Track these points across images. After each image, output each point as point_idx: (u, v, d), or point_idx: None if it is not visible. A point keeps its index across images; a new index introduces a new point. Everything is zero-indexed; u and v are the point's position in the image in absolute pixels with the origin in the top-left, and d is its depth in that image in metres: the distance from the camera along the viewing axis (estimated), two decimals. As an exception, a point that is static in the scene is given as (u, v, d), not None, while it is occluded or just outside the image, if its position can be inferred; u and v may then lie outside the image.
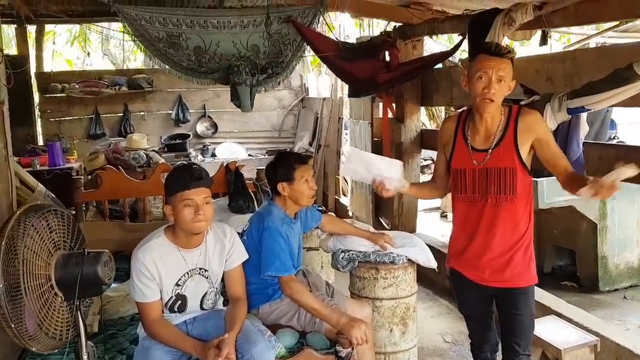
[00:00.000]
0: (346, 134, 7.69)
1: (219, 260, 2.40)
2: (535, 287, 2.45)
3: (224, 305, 2.54)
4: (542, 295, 3.75)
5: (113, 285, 3.23)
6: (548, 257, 5.09)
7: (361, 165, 2.48)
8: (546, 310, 3.56)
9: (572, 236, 4.73)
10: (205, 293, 2.39)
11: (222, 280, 2.47)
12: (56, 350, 2.06)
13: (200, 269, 2.35)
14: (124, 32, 4.32)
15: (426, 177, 9.91)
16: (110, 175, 4.01)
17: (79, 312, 2.00)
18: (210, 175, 4.34)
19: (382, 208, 5.76)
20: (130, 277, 2.24)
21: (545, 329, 3.28)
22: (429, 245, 4.74)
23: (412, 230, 5.44)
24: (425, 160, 8.77)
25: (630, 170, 1.90)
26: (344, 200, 7.45)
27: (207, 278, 2.37)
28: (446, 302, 4.51)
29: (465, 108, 2.52)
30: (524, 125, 2.24)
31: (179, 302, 2.33)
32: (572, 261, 5.09)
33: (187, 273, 2.32)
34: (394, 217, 5.43)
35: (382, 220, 5.83)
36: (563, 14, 3.09)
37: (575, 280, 4.86)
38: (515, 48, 5.54)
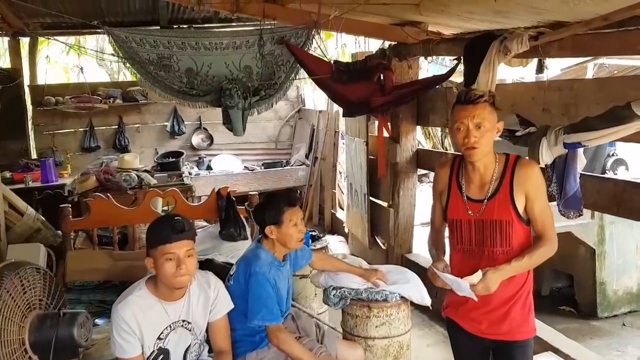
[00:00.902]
0: (343, 144, 7.61)
1: (202, 312, 2.32)
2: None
3: (210, 353, 2.47)
4: (540, 328, 3.65)
5: (99, 322, 3.19)
6: (546, 280, 5.03)
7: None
8: (544, 345, 3.49)
9: (570, 261, 4.67)
10: (189, 345, 2.32)
11: (207, 330, 2.40)
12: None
13: (183, 321, 2.28)
14: (114, 54, 4.22)
15: (424, 187, 9.89)
16: (99, 203, 3.94)
17: (54, 375, 1.93)
18: (201, 202, 4.32)
19: (378, 227, 5.68)
20: (110, 332, 2.16)
21: (542, 367, 3.21)
22: (426, 269, 4.73)
23: (409, 250, 5.37)
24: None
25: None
26: (340, 214, 7.38)
27: (190, 330, 2.30)
28: (442, 329, 4.43)
29: (458, 154, 2.44)
30: (520, 176, 2.17)
31: (161, 355, 2.25)
32: (570, 283, 5.03)
33: (170, 326, 2.24)
34: (390, 237, 5.36)
35: (377, 240, 5.75)
36: (559, 46, 3.01)
37: (573, 304, 4.79)
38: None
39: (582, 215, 3.17)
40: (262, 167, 8.19)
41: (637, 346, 4.12)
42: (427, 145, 8.43)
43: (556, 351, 3.38)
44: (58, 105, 7.32)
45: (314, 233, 4.41)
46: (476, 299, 2.15)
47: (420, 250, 5.39)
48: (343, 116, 5.14)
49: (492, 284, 2.09)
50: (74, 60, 10.85)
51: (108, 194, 4.16)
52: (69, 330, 1.88)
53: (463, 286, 2.13)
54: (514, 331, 2.24)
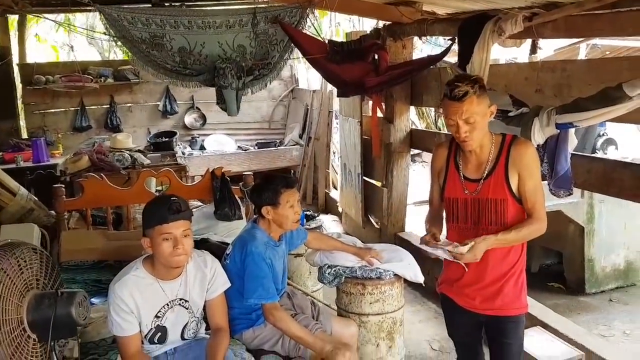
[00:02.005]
0: (337, 124, 7.61)
1: (199, 290, 2.35)
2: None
3: (207, 331, 2.51)
4: (529, 304, 3.72)
5: (94, 300, 3.21)
6: (536, 257, 5.10)
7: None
8: (533, 320, 3.56)
9: (559, 239, 4.74)
10: (186, 323, 2.35)
11: (204, 308, 2.43)
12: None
13: (180, 299, 2.31)
14: (105, 33, 4.18)
15: (417, 166, 9.93)
16: (92, 183, 3.92)
17: (54, 353, 1.95)
18: (196, 182, 4.33)
19: (371, 207, 5.72)
20: (108, 311, 2.19)
21: (532, 342, 3.26)
22: (419, 248, 4.78)
23: (402, 229, 5.43)
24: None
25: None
26: (334, 194, 7.41)
27: (187, 309, 2.33)
28: (434, 306, 4.51)
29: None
30: (515, 156, 2.20)
31: (159, 333, 2.29)
32: (559, 260, 5.12)
33: (167, 304, 2.27)
34: (383, 216, 5.40)
35: (371, 219, 5.80)
36: (553, 27, 3.02)
37: (562, 281, 4.88)
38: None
39: (572, 194, 3.22)
40: (256, 147, 8.18)
41: (623, 321, 4.22)
42: (420, 125, 8.43)
43: (545, 326, 3.46)
44: (48, 84, 7.25)
45: (308, 212, 4.44)
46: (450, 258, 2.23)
47: (413, 228, 5.45)
48: (337, 96, 5.13)
49: (478, 251, 2.15)
50: (63, 39, 10.73)
51: (101, 174, 4.15)
52: (67, 309, 1.90)
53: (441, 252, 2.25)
54: (507, 307, 2.29)
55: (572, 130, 3.09)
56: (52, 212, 4.25)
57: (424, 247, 2.29)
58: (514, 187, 2.21)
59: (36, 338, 1.93)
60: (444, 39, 4.48)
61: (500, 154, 2.23)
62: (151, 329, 2.26)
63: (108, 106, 7.90)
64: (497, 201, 2.22)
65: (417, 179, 6.77)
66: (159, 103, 8.16)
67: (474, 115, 2.12)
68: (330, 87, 7.20)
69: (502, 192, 2.21)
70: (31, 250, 2.00)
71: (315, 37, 4.52)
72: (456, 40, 3.87)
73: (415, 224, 5.71)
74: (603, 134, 6.38)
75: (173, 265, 2.20)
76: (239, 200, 4.13)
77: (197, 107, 8.38)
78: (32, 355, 1.91)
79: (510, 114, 3.26)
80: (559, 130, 3.01)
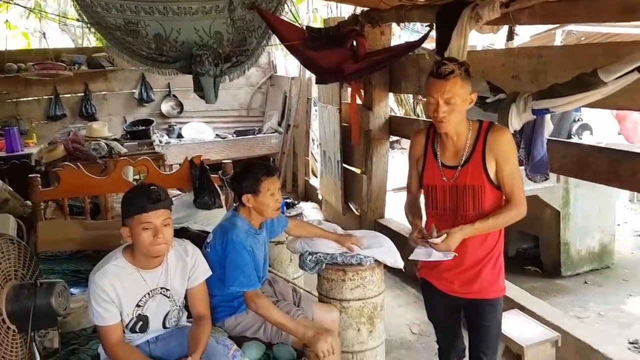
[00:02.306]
0: (316, 111, 7.61)
1: (181, 279, 2.34)
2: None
3: (189, 319, 2.50)
4: (507, 287, 3.78)
5: (74, 291, 3.18)
6: (513, 241, 5.19)
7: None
8: (510, 303, 3.63)
9: (536, 223, 4.82)
10: (168, 312, 2.34)
11: (186, 297, 2.42)
12: (12, 383, 1.99)
13: (161, 288, 2.30)
14: (79, 20, 4.10)
15: (396, 153, 9.97)
16: (69, 173, 3.88)
17: (34, 343, 1.94)
18: (174, 171, 4.29)
19: (351, 194, 5.74)
20: (88, 301, 2.17)
21: (509, 324, 3.33)
22: (398, 233, 4.81)
23: (381, 215, 5.46)
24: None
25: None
26: (314, 182, 7.42)
27: (169, 297, 2.32)
28: (413, 290, 4.56)
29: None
30: (492, 142, 2.22)
31: (141, 322, 2.27)
32: (535, 244, 5.21)
33: (148, 293, 2.26)
34: (363, 202, 5.43)
35: (351, 206, 5.82)
36: (529, 13, 3.05)
37: (539, 264, 4.98)
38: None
39: (548, 179, 3.26)
40: (234, 135, 8.13)
41: (598, 302, 4.32)
42: (399, 112, 8.47)
43: (522, 309, 3.53)
44: (20, 72, 7.08)
45: (288, 200, 4.44)
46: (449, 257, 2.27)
47: (393, 215, 5.49)
48: (316, 83, 5.12)
49: (452, 242, 2.18)
50: (35, 25, 10.47)
51: (78, 164, 4.09)
52: (46, 299, 1.88)
53: (434, 256, 2.27)
54: (485, 290, 2.33)
55: (548, 116, 3.14)
56: (28, 202, 4.18)
57: (417, 253, 2.32)
58: (492, 174, 2.24)
59: (16, 329, 1.91)
60: (422, 26, 4.49)
61: (478, 141, 2.25)
62: (132, 318, 2.24)
63: (82, 94, 7.77)
64: (475, 187, 2.24)
65: (396, 165, 6.81)
66: (134, 91, 8.05)
67: (456, 96, 2.13)
68: (308, 74, 7.17)
69: (479, 179, 2.23)
70: (8, 241, 1.97)
71: (293, 23, 4.49)
72: (434, 27, 3.88)
73: (394, 211, 5.76)
74: (578, 120, 6.48)
75: (153, 254, 2.18)
76: (218, 189, 4.12)
77: (173, 95, 8.29)
78: (12, 346, 1.89)
79: (488, 101, 3.28)
80: (535, 116, 3.04)
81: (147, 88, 8.04)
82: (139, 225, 2.12)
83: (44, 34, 6.70)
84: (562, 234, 4.69)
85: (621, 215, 6.27)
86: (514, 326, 3.32)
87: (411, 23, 4.93)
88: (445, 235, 2.18)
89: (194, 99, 8.24)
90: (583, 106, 2.94)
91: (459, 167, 2.26)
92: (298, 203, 4.61)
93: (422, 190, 2.44)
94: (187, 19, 4.36)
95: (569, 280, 4.74)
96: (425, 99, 2.29)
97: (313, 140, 7.73)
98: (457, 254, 2.27)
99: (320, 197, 6.83)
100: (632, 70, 2.45)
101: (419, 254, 2.33)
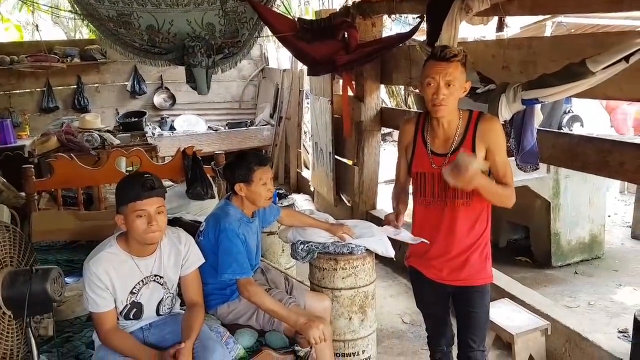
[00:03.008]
0: (308, 103, 7.62)
1: (174, 266, 2.37)
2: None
3: (182, 307, 2.53)
4: (497, 277, 3.85)
5: (68, 280, 3.20)
6: (503, 232, 5.24)
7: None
8: (500, 293, 3.68)
9: (526, 214, 4.87)
10: (161, 299, 2.37)
11: (179, 285, 2.45)
12: (7, 368, 2.02)
13: (155, 275, 2.32)
14: (71, 11, 4.10)
15: (388, 146, 10.01)
16: (62, 163, 3.88)
17: (29, 329, 1.96)
18: (167, 162, 4.31)
19: (343, 185, 5.78)
20: (83, 289, 2.19)
21: (499, 313, 3.39)
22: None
23: (373, 207, 5.50)
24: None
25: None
26: (306, 174, 7.45)
27: (162, 285, 2.35)
28: (405, 281, 4.60)
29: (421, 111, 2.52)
30: (482, 131, 2.25)
31: (134, 309, 2.30)
32: (526, 235, 5.25)
33: (142, 281, 2.28)
34: (355, 194, 5.47)
35: (343, 197, 5.86)
36: (519, 4, 3.08)
37: (529, 255, 5.02)
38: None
39: (538, 168, 3.31)
40: (227, 127, 8.14)
41: (588, 292, 4.38)
42: (391, 103, 8.49)
43: (512, 298, 3.58)
44: (13, 64, 7.06)
45: (281, 191, 4.47)
46: (426, 241, 2.37)
47: (384, 206, 5.53)
48: (308, 75, 5.14)
49: (475, 179, 2.06)
50: (27, 18, 10.40)
51: (71, 154, 4.10)
52: (42, 285, 1.90)
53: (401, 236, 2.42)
54: (472, 277, 2.37)
55: (538, 106, 3.18)
56: (22, 193, 4.19)
57: (387, 228, 2.37)
58: None
59: (11, 315, 1.93)
60: (413, 17, 4.50)
61: (468, 129, 2.28)
62: (126, 305, 2.27)
63: (75, 87, 7.75)
64: None
65: (388, 158, 6.84)
66: (127, 83, 8.03)
67: (456, 80, 2.16)
68: (300, 66, 7.19)
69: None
70: (3, 228, 1.99)
71: (284, 15, 4.50)
72: (425, 18, 3.91)
73: (386, 202, 5.79)
74: (569, 111, 6.53)
75: (147, 241, 2.21)
76: (211, 180, 4.13)
77: (166, 87, 8.28)
78: (7, 332, 1.91)
79: (478, 91, 3.31)
80: (525, 106, 3.08)
81: (140, 80, 8.03)
82: (133, 213, 2.14)
83: (36, 26, 6.66)
84: (553, 225, 4.73)
85: (612, 206, 6.35)
86: (504, 315, 3.38)
87: (403, 16, 4.96)
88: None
89: (186, 92, 8.24)
90: (572, 96, 2.98)
91: (449, 155, 2.29)
92: (290, 194, 4.64)
93: (411, 178, 2.47)
94: (179, 10, 4.38)
95: (559, 270, 4.80)
96: (420, 85, 2.29)
97: (305, 133, 7.75)
98: (426, 240, 2.36)
99: (312, 188, 6.86)
100: (620, 60, 2.49)
101: (389, 230, 2.47)
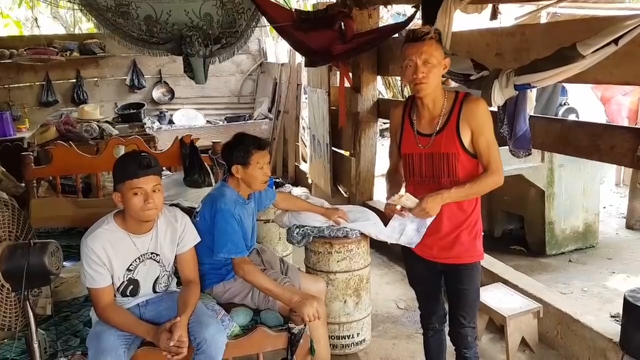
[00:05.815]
0: (305, 99, 7.66)
1: (170, 245, 2.41)
2: (485, 255, 2.58)
3: (178, 286, 2.57)
4: (491, 263, 3.91)
5: (66, 264, 3.24)
6: (499, 221, 5.27)
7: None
8: (494, 277, 3.72)
9: (521, 203, 4.90)
10: (158, 277, 2.41)
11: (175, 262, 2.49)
12: (5, 340, 2.06)
13: (151, 253, 2.36)
14: (70, 1, 4.14)
15: (385, 141, 10.04)
16: (61, 151, 3.93)
17: (27, 302, 2.00)
18: (165, 150, 4.35)
19: (340, 176, 5.81)
20: (81, 264, 2.24)
21: (492, 296, 3.44)
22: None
23: (370, 197, 5.54)
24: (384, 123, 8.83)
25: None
26: (304, 167, 7.48)
27: (158, 262, 2.39)
28: (400, 269, 4.64)
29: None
30: (467, 112, 2.29)
31: (131, 286, 2.34)
32: (521, 225, 5.28)
33: (139, 258, 2.33)
34: (352, 185, 5.50)
35: (340, 188, 5.90)
36: (512, -9, 3.12)
37: (524, 244, 5.06)
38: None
39: (531, 154, 3.35)
40: (225, 122, 8.18)
41: (581, 279, 4.42)
42: (387, 95, 8.52)
43: (505, 282, 3.63)
44: (13, 57, 7.09)
45: (277, 180, 4.51)
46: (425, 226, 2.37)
47: (381, 197, 5.56)
48: (305, 66, 5.17)
49: (430, 207, 2.24)
50: (26, 14, 10.44)
51: (70, 143, 4.14)
52: (40, 258, 1.93)
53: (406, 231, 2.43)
54: (462, 255, 2.41)
55: (530, 92, 3.22)
56: (22, 184, 4.24)
57: (391, 223, 2.43)
58: (466, 142, 2.30)
59: (10, 287, 1.97)
60: (411, 7, 4.53)
61: (453, 110, 2.32)
62: (123, 282, 2.31)
63: (74, 80, 7.79)
64: (449, 155, 2.31)
65: (385, 152, 6.87)
66: (126, 77, 8.07)
67: (432, 57, 2.21)
68: (298, 60, 7.22)
69: (453, 146, 2.30)
70: (2, 204, 2.03)
71: (282, 5, 4.54)
72: (420, 8, 3.95)
73: (383, 193, 5.83)
74: (565, 104, 6.58)
75: (144, 219, 2.25)
76: (208, 168, 4.18)
77: (164, 82, 8.32)
78: (5, 303, 1.95)
79: (472, 78, 3.36)
80: (517, 92, 3.12)
81: (139, 74, 8.06)
82: (130, 191, 2.18)
83: (35, 19, 6.70)
84: (547, 214, 4.77)
85: (607, 198, 6.39)
86: (496, 298, 3.43)
87: (400, 6, 4.99)
88: (409, 195, 2.25)
89: (185, 86, 8.31)
90: (563, 81, 3.01)
91: (434, 135, 2.33)
92: (286, 183, 4.68)
93: (401, 160, 2.51)
94: (177, 1, 4.41)
95: (554, 259, 4.83)
96: (401, 73, 2.33)
97: (303, 127, 7.78)
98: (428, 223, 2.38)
99: (309, 181, 6.89)
100: (610, 43, 2.53)
101: (394, 228, 2.45)
